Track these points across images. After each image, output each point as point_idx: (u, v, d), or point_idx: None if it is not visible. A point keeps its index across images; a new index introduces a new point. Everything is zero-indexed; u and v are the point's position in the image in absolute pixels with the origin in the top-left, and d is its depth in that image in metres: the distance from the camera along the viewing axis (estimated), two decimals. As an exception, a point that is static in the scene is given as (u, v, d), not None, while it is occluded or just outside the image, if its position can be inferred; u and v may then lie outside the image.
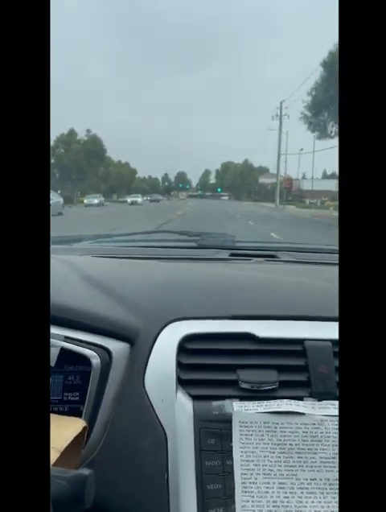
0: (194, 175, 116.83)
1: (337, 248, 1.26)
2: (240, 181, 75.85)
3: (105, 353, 0.62)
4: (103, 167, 58.93)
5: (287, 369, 0.61)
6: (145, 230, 1.55)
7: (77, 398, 0.62)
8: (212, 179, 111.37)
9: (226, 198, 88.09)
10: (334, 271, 1.00)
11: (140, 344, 0.63)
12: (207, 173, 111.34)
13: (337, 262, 1.13)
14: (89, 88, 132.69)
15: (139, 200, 45.36)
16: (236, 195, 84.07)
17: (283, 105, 38.29)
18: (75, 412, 0.61)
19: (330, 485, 0.56)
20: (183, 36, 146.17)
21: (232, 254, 1.13)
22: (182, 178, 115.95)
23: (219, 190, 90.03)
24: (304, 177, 63.53)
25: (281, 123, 38.74)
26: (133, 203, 43.79)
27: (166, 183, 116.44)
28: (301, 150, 47.80)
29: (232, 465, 0.56)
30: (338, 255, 1.25)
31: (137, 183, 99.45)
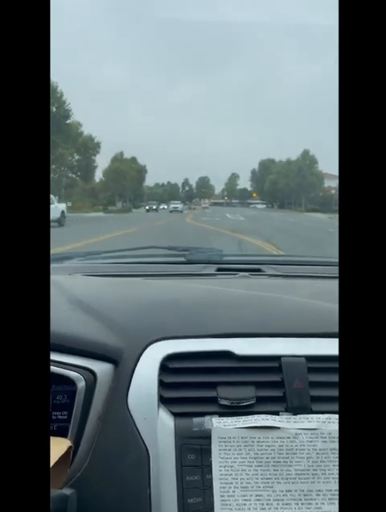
0: (218, 180, 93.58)
1: (323, 259, 1.44)
2: (296, 183, 49.06)
3: (90, 374, 0.67)
4: (81, 154, 32.80)
5: (264, 385, 0.66)
6: (134, 246, 1.57)
7: (65, 416, 0.66)
8: (241, 184, 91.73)
9: (262, 206, 72.94)
10: (316, 285, 1.06)
11: (124, 365, 0.68)
12: (234, 177, 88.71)
13: (320, 274, 1.15)
14: (104, 88, 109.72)
15: (179, 206, 47.18)
16: (282, 202, 57.11)
17: None
18: (63, 430, 0.65)
19: (304, 496, 0.60)
20: (206, 34, 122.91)
21: (218, 269, 1.21)
22: (204, 183, 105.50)
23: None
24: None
25: None
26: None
27: (187, 188, 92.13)
28: None
29: (211, 479, 0.60)
30: (323, 267, 1.29)
31: (152, 189, 74.02)
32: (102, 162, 52.18)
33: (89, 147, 35.61)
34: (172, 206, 49.87)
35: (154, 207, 50.62)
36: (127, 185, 53.73)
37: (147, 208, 50.18)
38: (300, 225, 20.72)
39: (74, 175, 35.75)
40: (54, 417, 0.66)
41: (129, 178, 53.62)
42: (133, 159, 60.13)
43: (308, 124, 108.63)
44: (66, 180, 33.73)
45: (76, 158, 35.28)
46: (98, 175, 52.98)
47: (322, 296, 0.84)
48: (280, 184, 58.06)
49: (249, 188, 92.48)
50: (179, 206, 48.58)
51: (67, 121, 29.02)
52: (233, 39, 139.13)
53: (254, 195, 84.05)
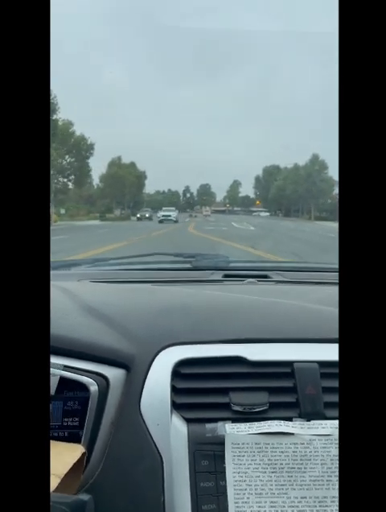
0: (219, 187, 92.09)
1: (328, 266, 1.42)
2: (305, 189, 45.79)
3: (103, 379, 0.67)
4: (73, 156, 29.41)
5: (277, 391, 0.67)
6: (141, 253, 1.62)
7: (77, 423, 0.67)
8: (243, 192, 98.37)
9: (266, 214, 70.15)
10: (323, 291, 1.07)
11: (136, 370, 0.69)
12: (235, 184, 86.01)
13: (327, 280, 1.16)
14: (102, 91, 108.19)
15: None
16: (287, 210, 54.04)
17: None
18: (74, 437, 0.66)
19: (319, 502, 0.60)
20: (205, 43, 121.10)
21: (225, 275, 1.22)
22: (205, 191, 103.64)
23: None
24: None
25: None
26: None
27: (188, 196, 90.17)
28: None
29: (225, 486, 0.61)
30: (329, 273, 1.28)
31: (152, 196, 72.09)
32: (99, 167, 49.08)
33: (82, 149, 32.09)
34: (162, 214, 35.26)
35: (147, 215, 41.51)
36: (125, 191, 50.52)
37: (138, 215, 41.50)
38: (326, 237, 17.34)
39: (66, 180, 32.41)
40: (65, 423, 0.66)
41: (127, 184, 50.38)
42: (132, 164, 56.93)
43: (316, 128, 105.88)
44: (57, 185, 30.38)
45: (68, 160, 31.83)
46: (95, 182, 49.99)
47: (331, 302, 0.83)
48: (287, 191, 54.41)
49: (251, 196, 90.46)
50: (173, 214, 34.59)
51: (54, 117, 25.68)
52: (235, 44, 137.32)
53: (257, 202, 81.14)
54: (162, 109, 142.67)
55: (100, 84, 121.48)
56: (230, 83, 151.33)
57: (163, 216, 34.14)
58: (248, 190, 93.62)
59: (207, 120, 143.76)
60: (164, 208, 40.75)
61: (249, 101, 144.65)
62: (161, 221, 31.61)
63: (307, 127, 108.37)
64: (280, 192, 58.49)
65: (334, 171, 49.77)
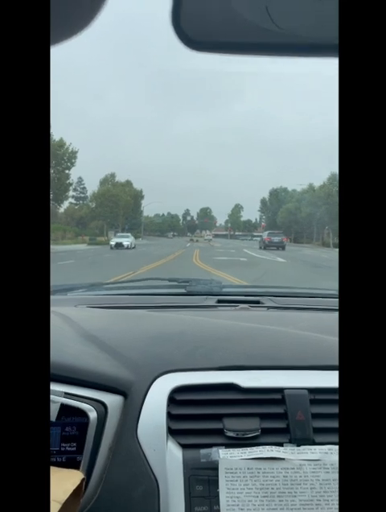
0: (220, 211, 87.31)
1: (320, 291, 1.45)
2: (325, 212, 39.36)
3: (101, 406, 0.70)
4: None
5: (268, 417, 0.70)
6: (136, 278, 1.64)
7: (74, 448, 0.70)
8: (245, 216, 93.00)
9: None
10: (313, 317, 1.12)
11: (133, 397, 0.72)
12: (237, 208, 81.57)
13: (317, 306, 1.20)
14: (101, 116, 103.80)
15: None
16: (297, 235, 47.48)
17: None
18: (72, 462, 0.68)
19: None
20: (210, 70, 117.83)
21: (218, 301, 1.24)
22: (206, 214, 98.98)
23: None
24: None
25: None
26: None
27: (188, 218, 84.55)
28: None
29: (219, 510, 0.63)
30: (319, 299, 1.32)
31: (151, 219, 66.17)
32: (92, 187, 42.89)
33: (61, 157, 25.98)
34: (115, 241, 25.94)
35: (126, 242, 26.46)
36: (119, 212, 44.13)
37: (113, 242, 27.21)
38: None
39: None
40: (63, 448, 0.69)
41: (121, 204, 44.17)
42: (128, 183, 51.19)
43: (325, 148, 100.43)
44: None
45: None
46: (88, 201, 43.70)
47: (321, 328, 0.87)
48: (301, 214, 48.55)
49: (253, 220, 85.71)
50: (126, 241, 25.39)
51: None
52: (240, 69, 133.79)
53: (262, 226, 75.07)
54: (162, 135, 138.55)
55: (97, 107, 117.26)
56: (232, 110, 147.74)
57: (116, 243, 25.52)
58: (249, 214, 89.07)
59: (208, 145, 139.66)
60: (119, 234, 30.55)
61: (253, 126, 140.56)
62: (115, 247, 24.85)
63: (318, 149, 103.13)
64: (290, 216, 52.34)
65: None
